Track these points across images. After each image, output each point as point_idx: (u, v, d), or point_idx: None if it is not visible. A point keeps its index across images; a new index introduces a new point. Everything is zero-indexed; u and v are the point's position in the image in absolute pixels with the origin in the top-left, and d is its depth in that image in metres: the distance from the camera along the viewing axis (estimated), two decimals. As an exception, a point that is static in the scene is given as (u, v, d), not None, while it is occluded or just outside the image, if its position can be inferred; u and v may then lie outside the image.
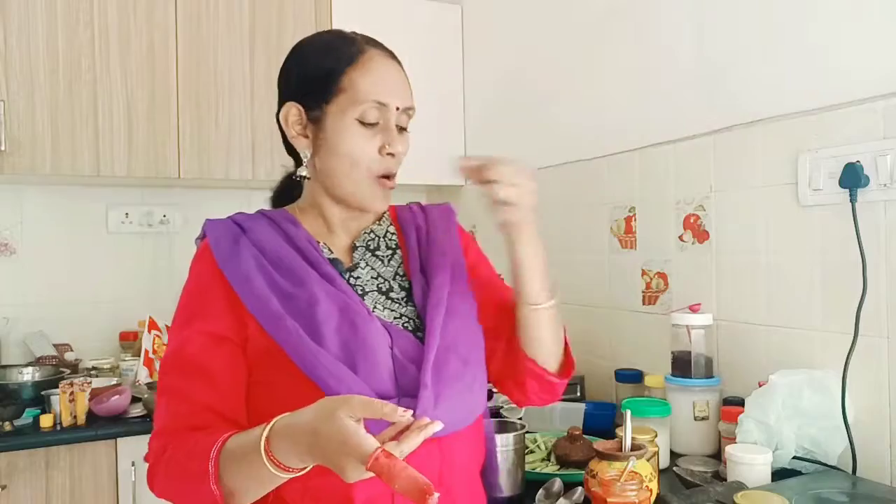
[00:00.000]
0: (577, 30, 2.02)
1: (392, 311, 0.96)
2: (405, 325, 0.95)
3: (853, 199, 1.24)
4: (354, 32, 0.98)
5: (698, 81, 1.61)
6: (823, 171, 1.31)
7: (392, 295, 0.98)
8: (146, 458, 0.88)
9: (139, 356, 2.13)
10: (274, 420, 0.75)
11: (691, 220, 1.62)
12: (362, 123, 0.92)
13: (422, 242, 1.04)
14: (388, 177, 0.95)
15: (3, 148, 1.97)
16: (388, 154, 0.93)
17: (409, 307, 0.98)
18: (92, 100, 2.08)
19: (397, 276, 1.00)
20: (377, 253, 1.01)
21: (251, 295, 0.88)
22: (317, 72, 0.94)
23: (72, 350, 2.27)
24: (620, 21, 1.85)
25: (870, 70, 1.25)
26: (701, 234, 1.60)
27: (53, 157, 2.04)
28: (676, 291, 1.67)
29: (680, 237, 1.66)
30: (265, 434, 0.74)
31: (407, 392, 0.89)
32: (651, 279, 1.75)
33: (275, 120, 0.98)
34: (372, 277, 0.98)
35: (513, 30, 2.34)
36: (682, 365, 1.48)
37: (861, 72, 1.26)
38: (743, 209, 1.49)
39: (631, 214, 1.82)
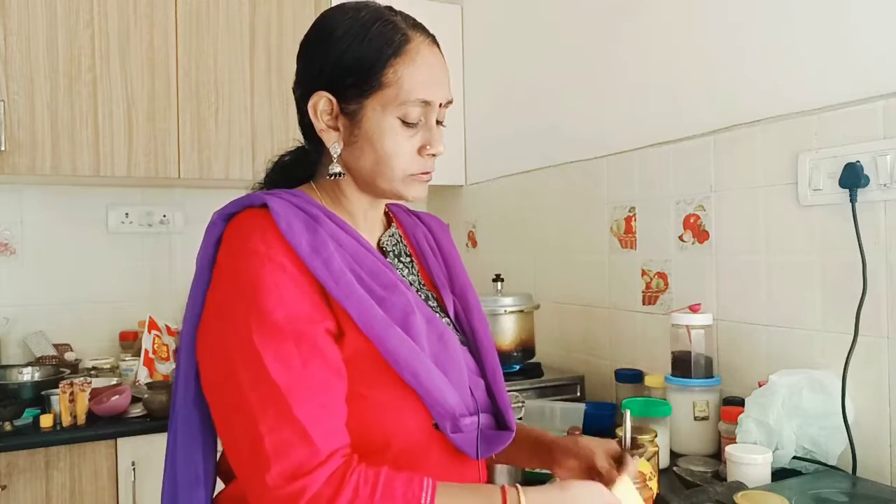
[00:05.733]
0: (577, 30, 2.02)
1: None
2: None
3: (853, 199, 1.24)
4: (391, 9, 0.88)
5: (698, 81, 1.61)
6: (823, 171, 1.31)
7: (430, 304, 0.94)
8: (297, 489, 0.71)
9: (139, 356, 2.13)
10: (511, 489, 0.78)
11: (691, 220, 1.62)
12: (404, 123, 0.85)
13: (435, 253, 1.01)
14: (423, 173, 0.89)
15: (3, 148, 1.96)
16: (429, 155, 0.87)
17: (446, 318, 0.96)
18: (92, 100, 2.08)
19: (422, 285, 0.97)
20: (401, 258, 0.97)
21: (353, 298, 0.79)
22: (355, 62, 0.84)
23: (72, 350, 2.27)
24: (620, 21, 1.85)
25: (870, 70, 1.25)
26: (701, 234, 1.60)
27: (53, 157, 2.04)
28: (676, 291, 1.67)
29: (680, 237, 1.66)
30: (508, 499, 0.77)
31: (482, 407, 0.90)
32: (651, 279, 1.75)
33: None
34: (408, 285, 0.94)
35: (513, 30, 2.34)
36: (682, 365, 1.48)
37: (861, 72, 1.26)
38: (743, 209, 1.49)
39: (631, 214, 1.82)
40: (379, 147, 0.85)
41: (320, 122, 0.87)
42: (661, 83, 1.71)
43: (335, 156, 0.87)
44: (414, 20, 0.89)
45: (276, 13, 2.32)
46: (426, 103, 0.85)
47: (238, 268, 0.78)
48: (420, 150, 0.87)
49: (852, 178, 1.24)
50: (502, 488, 0.77)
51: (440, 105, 0.88)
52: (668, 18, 1.69)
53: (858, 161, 1.24)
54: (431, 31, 0.91)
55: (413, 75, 0.84)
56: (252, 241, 0.78)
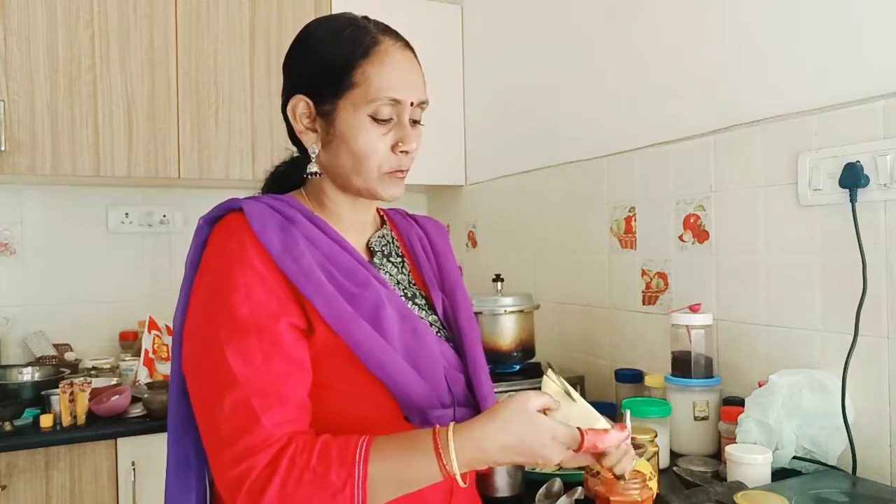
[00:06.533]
0: (577, 29, 2.02)
1: (420, 318, 0.95)
2: (437, 333, 0.96)
3: (853, 199, 1.24)
4: (366, 18, 0.93)
5: (698, 81, 1.61)
6: (823, 171, 1.31)
7: (417, 301, 0.98)
8: (234, 477, 0.75)
9: (139, 356, 2.13)
10: (442, 429, 0.77)
11: (691, 220, 1.62)
12: (375, 120, 0.88)
13: (428, 254, 1.04)
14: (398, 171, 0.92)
15: (3, 148, 1.97)
16: (402, 152, 0.90)
17: (433, 316, 0.98)
18: (92, 100, 2.08)
19: (411, 284, 1.00)
20: (391, 258, 1.00)
21: (321, 294, 0.83)
22: (328, 64, 0.89)
23: (72, 350, 2.27)
24: (620, 21, 1.85)
25: (870, 70, 1.25)
26: (701, 234, 1.60)
27: (53, 157, 2.04)
28: (676, 291, 1.67)
29: (680, 237, 1.66)
30: (439, 440, 0.76)
31: (459, 401, 0.91)
32: (651, 279, 1.75)
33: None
34: (395, 283, 0.97)
35: (513, 29, 2.34)
36: (682, 365, 1.48)
37: (861, 72, 1.26)
38: (743, 209, 1.49)
39: (631, 214, 1.82)
40: (353, 145, 0.89)
41: (299, 124, 0.92)
42: (661, 83, 1.71)
43: (313, 156, 0.92)
44: (386, 26, 0.93)
45: (276, 13, 2.32)
46: (396, 101, 0.89)
47: (213, 267, 0.84)
48: (393, 148, 0.90)
49: (852, 178, 1.24)
50: (434, 430, 0.78)
51: (412, 104, 0.91)
52: (667, 18, 1.69)
53: (858, 161, 1.24)
54: (405, 37, 0.94)
55: (381, 75, 0.88)
56: (228, 243, 0.84)
